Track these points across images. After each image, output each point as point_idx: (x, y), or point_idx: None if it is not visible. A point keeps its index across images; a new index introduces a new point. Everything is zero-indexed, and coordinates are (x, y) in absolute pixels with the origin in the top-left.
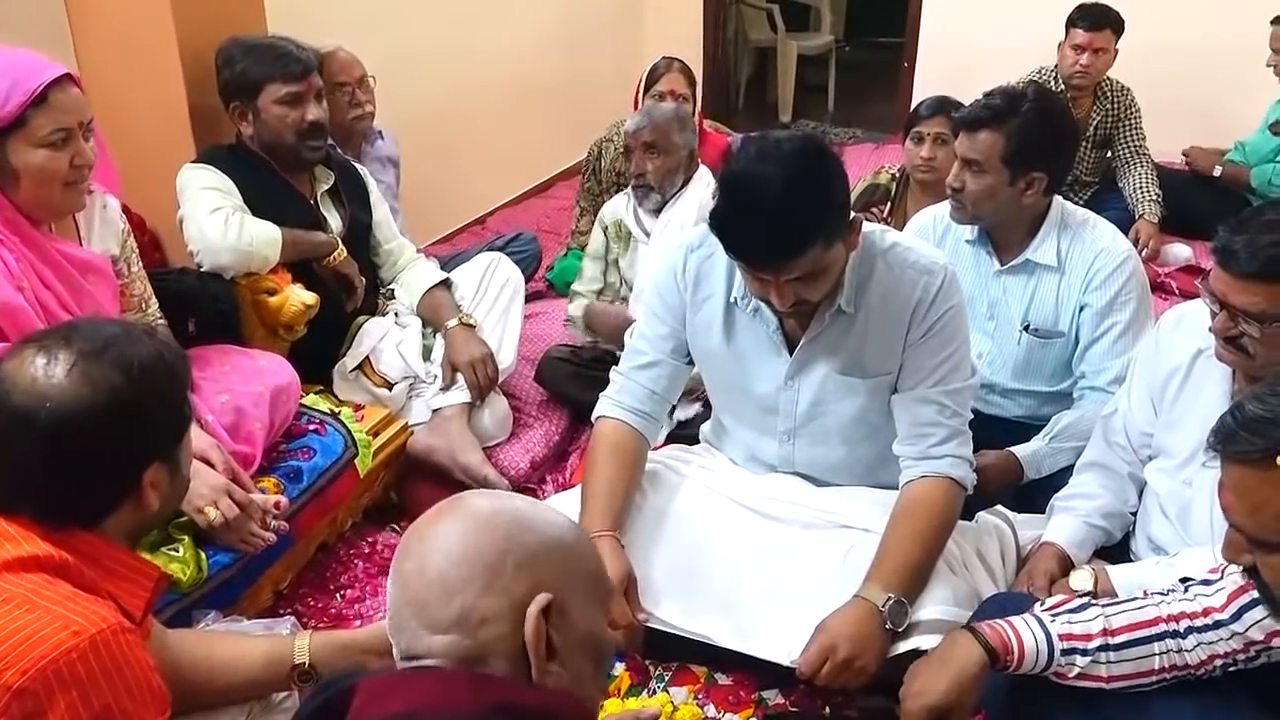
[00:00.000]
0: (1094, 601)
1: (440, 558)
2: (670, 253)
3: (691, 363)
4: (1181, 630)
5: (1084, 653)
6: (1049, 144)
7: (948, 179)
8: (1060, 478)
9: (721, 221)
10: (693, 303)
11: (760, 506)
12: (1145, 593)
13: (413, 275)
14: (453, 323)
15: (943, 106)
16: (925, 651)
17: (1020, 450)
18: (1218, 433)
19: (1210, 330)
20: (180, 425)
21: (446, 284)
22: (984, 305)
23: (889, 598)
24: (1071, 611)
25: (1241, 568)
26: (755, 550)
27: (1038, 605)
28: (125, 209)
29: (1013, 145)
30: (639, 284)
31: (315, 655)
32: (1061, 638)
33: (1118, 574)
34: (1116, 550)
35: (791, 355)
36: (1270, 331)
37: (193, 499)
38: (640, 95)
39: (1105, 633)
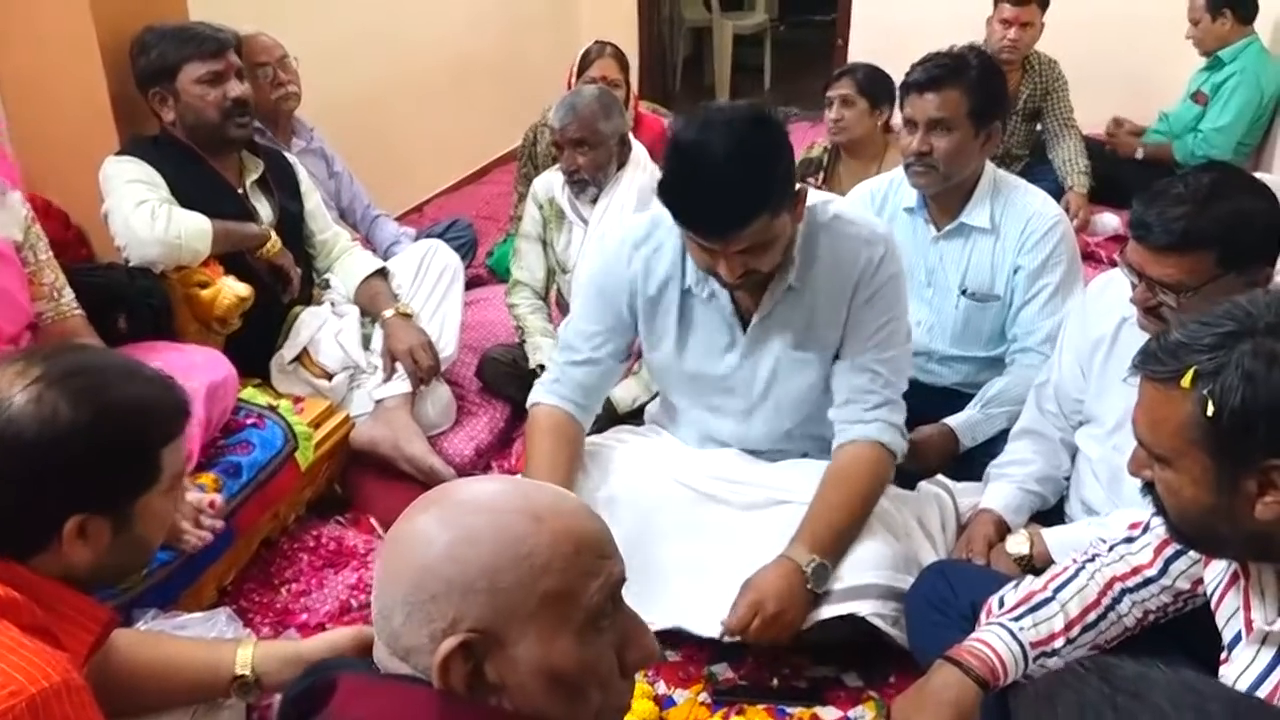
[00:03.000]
0: (1051, 596)
1: (380, 573)
2: (614, 249)
3: (625, 359)
4: (1117, 594)
5: (1053, 653)
6: (1000, 94)
7: (912, 146)
8: (997, 446)
9: (669, 191)
10: (644, 297)
11: (701, 485)
12: (1075, 560)
13: (348, 263)
14: (389, 313)
15: (850, 71)
16: (862, 618)
17: (954, 420)
18: (1141, 353)
19: (1131, 301)
20: (140, 483)
21: (383, 273)
22: (922, 273)
23: (813, 559)
24: (1033, 611)
25: (1145, 494)
26: (695, 532)
27: (1000, 610)
28: (49, 203)
29: (975, 99)
30: (578, 272)
31: (259, 666)
32: (1032, 645)
33: (1052, 536)
34: (1052, 514)
35: (746, 334)
36: (1187, 301)
37: None
38: (573, 81)
39: (1068, 627)
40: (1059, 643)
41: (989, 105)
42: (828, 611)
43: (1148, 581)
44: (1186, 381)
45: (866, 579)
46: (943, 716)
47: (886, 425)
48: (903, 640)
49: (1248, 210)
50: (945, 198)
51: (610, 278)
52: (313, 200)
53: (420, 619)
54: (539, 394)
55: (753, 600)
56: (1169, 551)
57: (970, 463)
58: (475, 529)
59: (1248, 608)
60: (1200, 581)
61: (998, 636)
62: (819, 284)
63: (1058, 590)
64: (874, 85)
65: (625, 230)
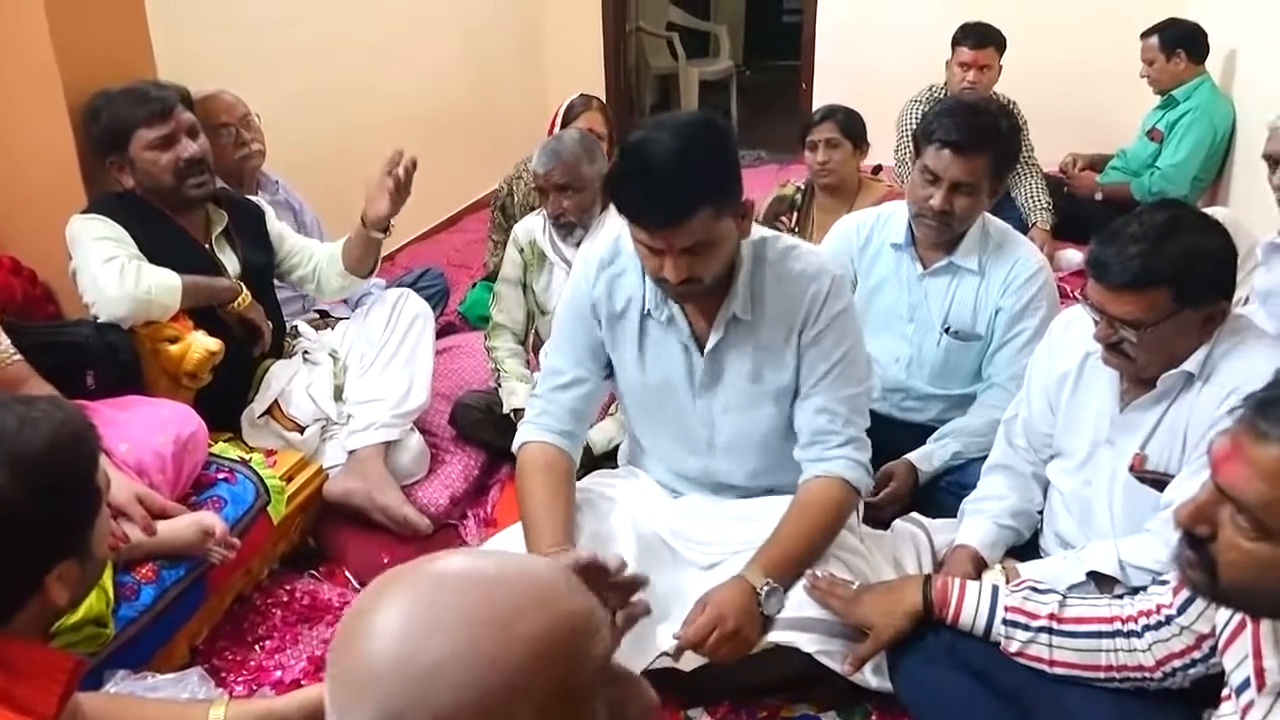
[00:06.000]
0: (1061, 594)
1: (334, 670)
2: (581, 270)
3: (610, 375)
4: (1139, 629)
5: (1025, 628)
6: (1018, 150)
7: (934, 203)
8: (971, 481)
9: (616, 181)
10: (607, 316)
11: (670, 540)
12: (1109, 600)
13: (326, 249)
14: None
15: (831, 114)
16: (800, 650)
17: (913, 454)
18: (1258, 405)
19: (1094, 338)
20: (87, 514)
21: None
22: (905, 308)
23: (767, 582)
24: (1034, 589)
25: (1189, 547)
26: (658, 595)
27: (1011, 580)
28: (16, 261)
29: (999, 160)
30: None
31: None
32: (1009, 609)
33: (1028, 571)
34: (1027, 547)
35: (703, 364)
36: (1146, 337)
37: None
38: (555, 132)
39: (1052, 617)
40: (1035, 624)
41: (1009, 164)
42: (772, 638)
43: (1168, 620)
44: None
45: (810, 612)
46: (881, 606)
47: (851, 462)
48: (861, 680)
49: (1200, 247)
50: (944, 240)
51: (580, 296)
52: (277, 227)
53: None
54: (526, 433)
55: (713, 615)
56: (1185, 594)
57: (945, 499)
58: (437, 655)
59: (1257, 655)
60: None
61: (976, 584)
62: (766, 320)
63: (1068, 595)
64: (854, 126)
65: (593, 251)
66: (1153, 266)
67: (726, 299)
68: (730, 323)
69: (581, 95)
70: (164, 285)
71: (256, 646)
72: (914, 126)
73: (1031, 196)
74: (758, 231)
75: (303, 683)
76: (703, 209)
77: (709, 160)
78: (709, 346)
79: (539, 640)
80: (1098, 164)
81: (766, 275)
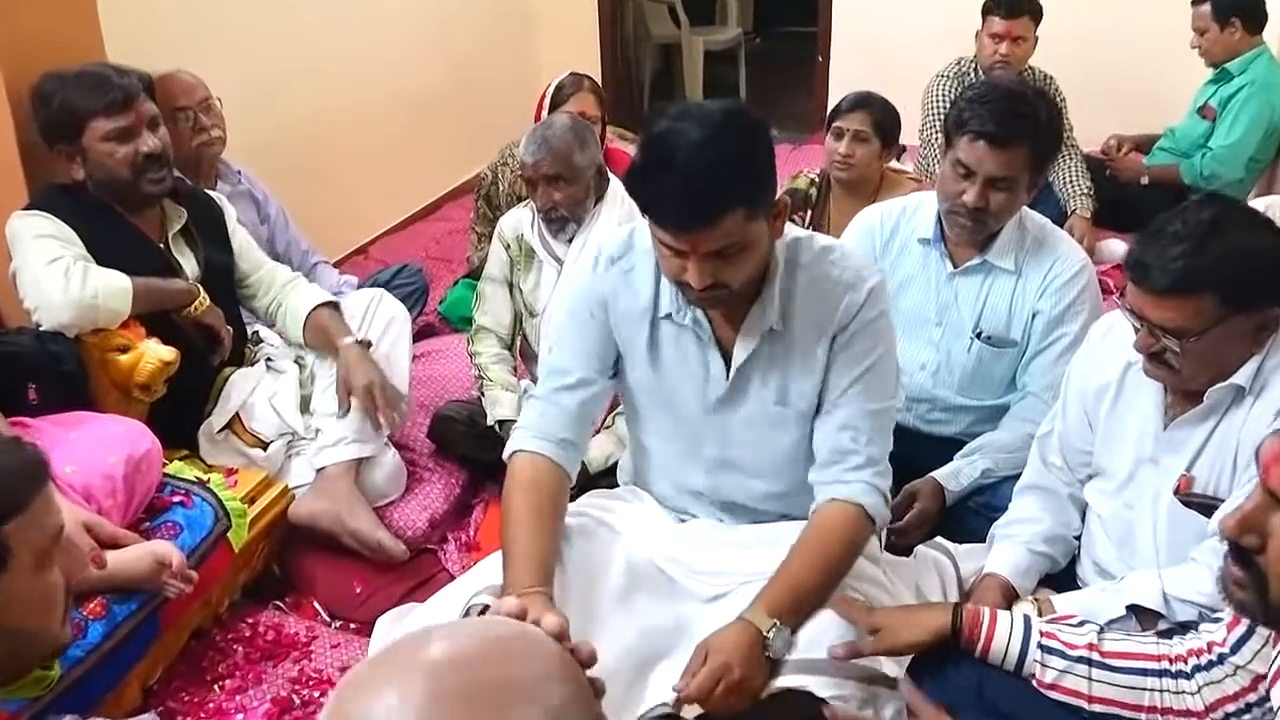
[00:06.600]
0: (1099, 626)
1: None
2: (589, 263)
3: (616, 375)
4: (1188, 670)
5: (1063, 656)
6: (1060, 138)
7: (967, 199)
8: (1001, 503)
9: (637, 178)
10: (616, 314)
11: (669, 569)
12: (1155, 637)
13: (294, 299)
14: (347, 340)
15: (865, 103)
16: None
17: (938, 471)
18: None
19: (1135, 347)
20: None
21: (333, 304)
22: (932, 310)
23: (774, 624)
24: (1069, 625)
25: (1233, 559)
26: (655, 630)
27: (1040, 619)
28: None
29: (1038, 150)
30: (553, 303)
31: None
32: (1044, 635)
33: (1064, 603)
34: (1063, 576)
35: (728, 378)
36: (1191, 347)
37: None
38: (543, 115)
39: (1092, 648)
40: (1074, 653)
41: (1050, 155)
42: (781, 682)
43: (1221, 659)
44: None
45: (822, 654)
46: (904, 629)
47: (868, 488)
48: None
49: (1250, 247)
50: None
51: (588, 290)
52: (240, 238)
53: None
54: (520, 439)
55: (717, 664)
56: (1241, 628)
57: (974, 522)
58: None
59: None
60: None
61: (1008, 614)
62: (797, 331)
63: (1107, 632)
64: (888, 122)
65: (602, 245)
66: (1197, 269)
67: (756, 307)
68: (763, 335)
69: (572, 74)
70: (112, 289)
71: (216, 687)
72: (941, 105)
73: (1070, 181)
74: (790, 231)
75: None
76: (733, 210)
77: (740, 156)
78: (738, 361)
79: None
80: (1144, 145)
81: (799, 281)
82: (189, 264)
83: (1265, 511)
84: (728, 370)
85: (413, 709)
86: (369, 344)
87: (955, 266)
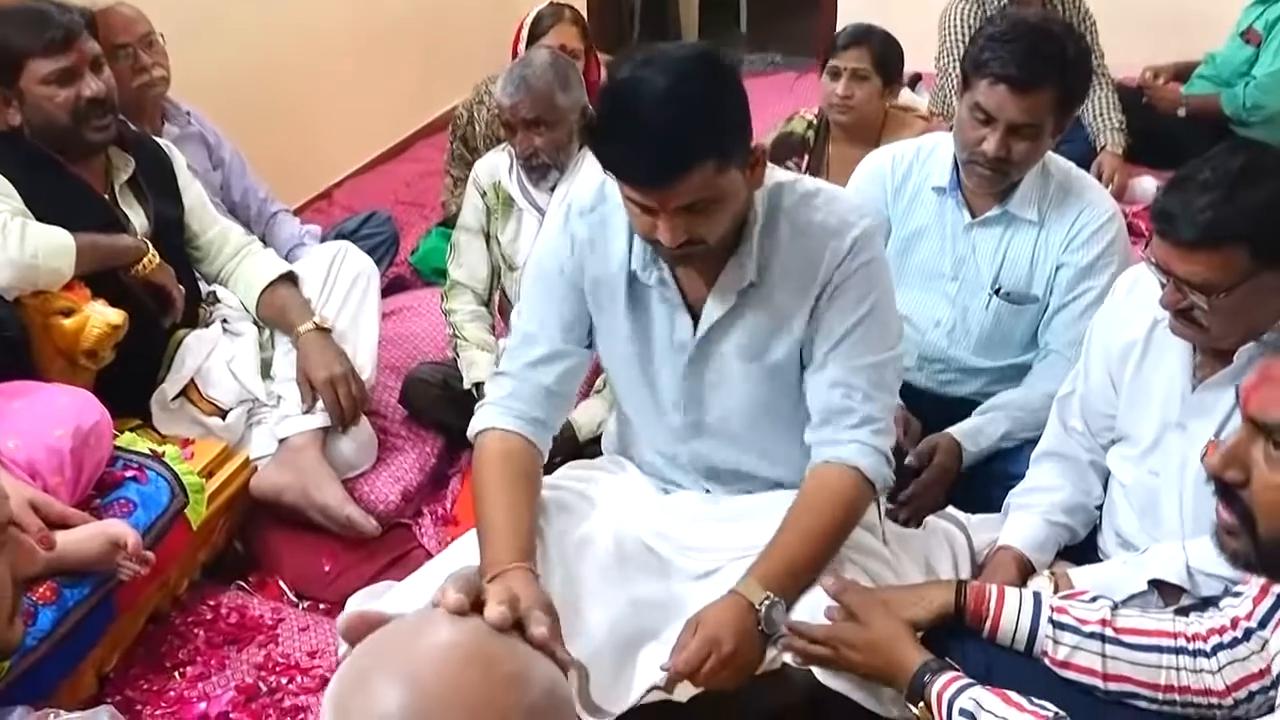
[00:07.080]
0: (1113, 602)
1: None
2: (559, 219)
3: (591, 346)
4: (1208, 649)
5: (1076, 631)
6: (1088, 77)
7: (988, 148)
8: (1017, 470)
9: (599, 132)
10: (589, 275)
11: (657, 546)
12: (1172, 615)
13: (247, 268)
14: (305, 327)
15: (863, 37)
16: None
17: (955, 428)
18: None
19: (1160, 303)
20: None
21: (291, 278)
22: (948, 264)
23: (767, 596)
24: (1082, 600)
25: (1220, 498)
26: (644, 604)
27: (1063, 588)
28: None
29: (1065, 92)
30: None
31: None
32: (1056, 610)
33: (1081, 578)
34: (1086, 548)
35: (694, 339)
36: (1219, 303)
37: None
38: (520, 49)
39: (1105, 623)
40: (1088, 628)
41: (1078, 97)
42: (775, 653)
43: (1247, 634)
44: None
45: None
46: (907, 606)
47: (865, 447)
48: (883, 710)
49: None
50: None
51: (557, 250)
52: (192, 193)
53: None
54: (487, 416)
55: (707, 638)
56: (1269, 600)
57: (990, 490)
58: None
59: None
60: None
61: (1017, 591)
62: (776, 282)
63: (1121, 608)
64: (889, 57)
65: (572, 198)
66: (1225, 219)
67: (733, 260)
68: (739, 293)
69: (551, 3)
70: (54, 246)
71: (176, 674)
72: (960, 32)
73: (1100, 114)
74: (773, 175)
75: (232, 716)
76: (703, 163)
77: (710, 104)
78: (710, 320)
79: None
80: (1183, 73)
81: (781, 228)
82: (137, 218)
83: (1247, 443)
84: (694, 330)
85: None
86: (328, 330)
87: (973, 217)
